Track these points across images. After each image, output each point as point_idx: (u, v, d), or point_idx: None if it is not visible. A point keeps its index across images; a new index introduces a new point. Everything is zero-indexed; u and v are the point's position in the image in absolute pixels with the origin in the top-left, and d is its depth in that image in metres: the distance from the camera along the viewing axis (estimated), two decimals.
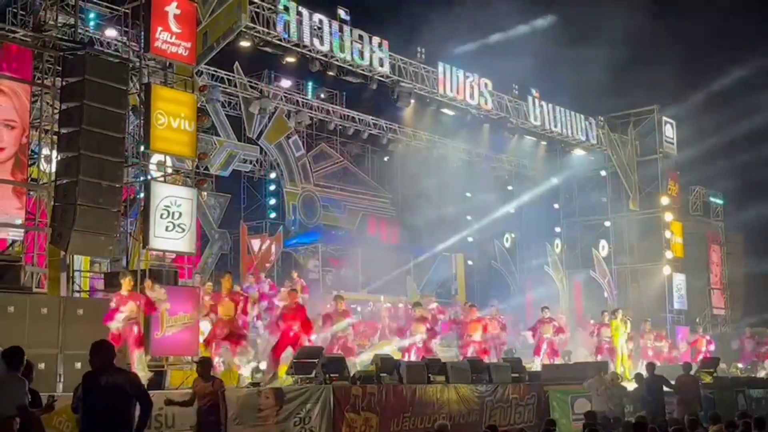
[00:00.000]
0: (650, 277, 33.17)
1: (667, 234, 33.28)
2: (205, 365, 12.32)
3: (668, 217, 33.33)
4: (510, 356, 21.49)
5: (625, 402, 17.19)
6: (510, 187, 34.56)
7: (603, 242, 34.39)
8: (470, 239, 32.75)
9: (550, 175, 33.95)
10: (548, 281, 33.16)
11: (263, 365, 17.48)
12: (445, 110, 27.38)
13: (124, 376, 8.31)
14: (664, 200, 33.35)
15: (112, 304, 15.04)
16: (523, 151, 32.43)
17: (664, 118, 34.03)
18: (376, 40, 24.32)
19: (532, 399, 19.09)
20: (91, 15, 21.63)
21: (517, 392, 18.90)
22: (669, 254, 33.06)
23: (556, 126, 30.35)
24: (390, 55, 24.85)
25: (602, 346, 23.39)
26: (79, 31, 17.57)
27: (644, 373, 17.95)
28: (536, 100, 29.70)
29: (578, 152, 32.54)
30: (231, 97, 27.35)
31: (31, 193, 16.43)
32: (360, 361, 19.06)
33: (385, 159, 33.30)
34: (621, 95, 32.26)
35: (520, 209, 34.64)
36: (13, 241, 16.28)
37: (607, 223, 34.42)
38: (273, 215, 30.16)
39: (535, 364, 21.94)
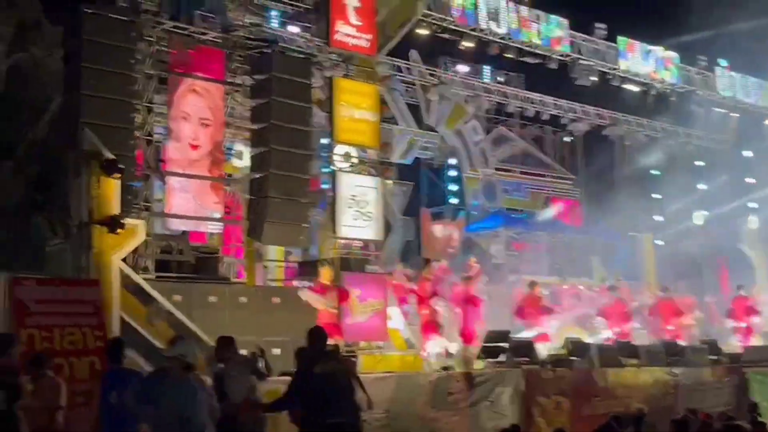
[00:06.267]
0: None
1: None
2: None
3: None
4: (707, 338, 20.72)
5: None
6: (699, 163, 33.19)
7: None
8: (659, 218, 31.69)
9: (743, 149, 32.34)
10: (743, 260, 31.63)
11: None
12: (628, 86, 26.62)
13: (337, 364, 8.50)
14: None
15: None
16: (713, 125, 31.08)
17: None
18: (554, 18, 23.91)
19: (730, 381, 18.36)
20: (273, 13, 22.32)
21: (714, 375, 18.24)
22: None
23: (748, 97, 28.89)
24: (569, 33, 24.37)
25: None
26: (264, 29, 18.21)
27: None
28: (724, 71, 28.36)
29: None
30: (409, 86, 27.59)
31: (227, 187, 17.22)
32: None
33: (567, 139, 32.71)
34: None
35: (711, 185, 33.21)
36: (212, 234, 17.10)
37: None
38: (454, 201, 30.26)
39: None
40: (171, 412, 7.53)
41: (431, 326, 16.70)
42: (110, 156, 13.26)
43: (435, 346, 16.53)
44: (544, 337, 18.64)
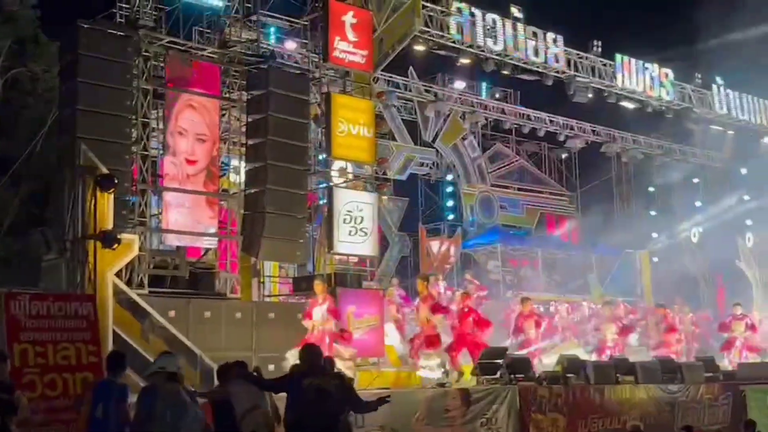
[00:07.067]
0: None
1: None
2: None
3: None
4: (703, 355, 20.69)
5: None
6: (696, 180, 33.27)
7: None
8: (655, 235, 31.73)
9: (739, 166, 32.42)
10: (740, 277, 31.62)
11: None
12: (625, 103, 26.71)
13: (332, 379, 8.45)
14: None
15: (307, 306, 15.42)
16: (709, 142, 31.19)
17: None
18: (550, 36, 24.03)
19: (726, 399, 18.32)
20: (272, 29, 22.41)
21: (710, 392, 18.20)
22: None
23: (743, 114, 29.01)
24: (565, 50, 24.47)
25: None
26: (261, 45, 18.24)
27: None
28: (721, 89, 28.48)
29: None
30: (406, 102, 27.65)
31: (223, 203, 17.20)
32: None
33: (563, 156, 32.78)
34: None
35: (708, 202, 33.28)
36: (208, 250, 17.06)
37: None
38: (451, 217, 30.27)
39: (725, 362, 21.03)
40: (162, 427, 7.50)
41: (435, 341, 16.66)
42: (105, 171, 13.24)
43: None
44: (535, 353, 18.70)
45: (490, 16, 22.74)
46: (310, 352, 8.69)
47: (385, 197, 23.99)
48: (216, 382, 10.45)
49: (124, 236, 13.53)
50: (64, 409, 10.71)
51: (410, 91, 27.13)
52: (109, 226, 13.17)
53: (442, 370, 16.38)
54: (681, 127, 29.25)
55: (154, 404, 7.63)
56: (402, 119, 27.80)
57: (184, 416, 7.66)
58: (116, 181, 13.34)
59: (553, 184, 32.83)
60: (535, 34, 23.73)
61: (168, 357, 8.22)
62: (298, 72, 17.83)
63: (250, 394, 9.12)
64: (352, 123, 17.87)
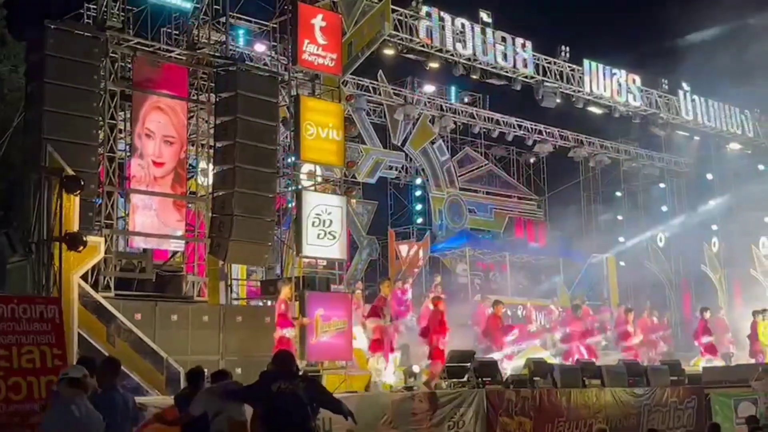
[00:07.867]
0: None
1: None
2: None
3: None
4: (669, 359, 20.89)
5: None
6: (662, 185, 33.59)
7: (763, 239, 32.88)
8: (621, 239, 32.00)
9: (705, 171, 32.78)
10: (706, 281, 31.99)
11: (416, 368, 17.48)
12: (592, 108, 26.92)
13: (301, 382, 8.43)
14: None
15: (282, 307, 15.38)
16: (675, 148, 31.52)
17: None
18: (519, 41, 24.16)
19: (691, 402, 18.51)
20: (241, 31, 22.37)
21: (676, 395, 18.37)
22: None
23: (709, 120, 29.33)
24: (533, 56, 24.63)
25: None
26: (230, 47, 18.16)
27: None
28: (687, 95, 28.79)
29: (734, 146, 31.29)
30: (376, 105, 27.69)
31: (190, 205, 17.09)
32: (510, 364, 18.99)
33: (531, 160, 32.97)
34: None
35: (673, 207, 33.61)
36: (175, 252, 16.95)
37: (767, 219, 32.90)
38: (420, 220, 30.38)
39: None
40: None
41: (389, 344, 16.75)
42: (71, 172, 13.12)
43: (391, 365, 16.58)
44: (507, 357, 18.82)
45: (459, 21, 22.83)
46: (281, 356, 8.70)
47: (354, 200, 23.98)
48: (183, 385, 10.39)
49: (90, 238, 13.39)
50: (29, 412, 10.60)
51: (379, 94, 27.17)
52: (75, 228, 13.04)
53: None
54: (648, 133, 29.51)
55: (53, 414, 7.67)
56: (371, 123, 27.85)
57: (80, 424, 7.66)
58: (82, 183, 13.19)
59: (522, 189, 33.03)
60: (504, 39, 23.84)
61: (75, 366, 8.21)
62: (267, 75, 17.75)
63: (211, 402, 9.06)
64: (321, 126, 17.84)
